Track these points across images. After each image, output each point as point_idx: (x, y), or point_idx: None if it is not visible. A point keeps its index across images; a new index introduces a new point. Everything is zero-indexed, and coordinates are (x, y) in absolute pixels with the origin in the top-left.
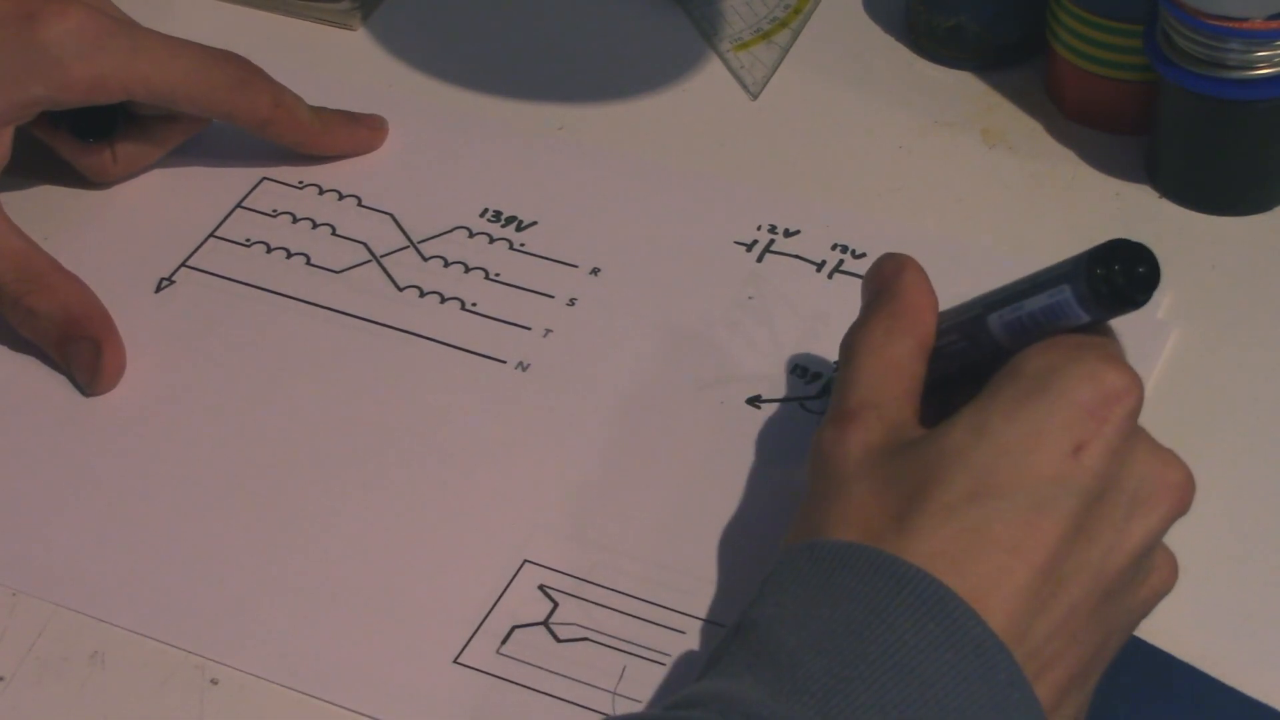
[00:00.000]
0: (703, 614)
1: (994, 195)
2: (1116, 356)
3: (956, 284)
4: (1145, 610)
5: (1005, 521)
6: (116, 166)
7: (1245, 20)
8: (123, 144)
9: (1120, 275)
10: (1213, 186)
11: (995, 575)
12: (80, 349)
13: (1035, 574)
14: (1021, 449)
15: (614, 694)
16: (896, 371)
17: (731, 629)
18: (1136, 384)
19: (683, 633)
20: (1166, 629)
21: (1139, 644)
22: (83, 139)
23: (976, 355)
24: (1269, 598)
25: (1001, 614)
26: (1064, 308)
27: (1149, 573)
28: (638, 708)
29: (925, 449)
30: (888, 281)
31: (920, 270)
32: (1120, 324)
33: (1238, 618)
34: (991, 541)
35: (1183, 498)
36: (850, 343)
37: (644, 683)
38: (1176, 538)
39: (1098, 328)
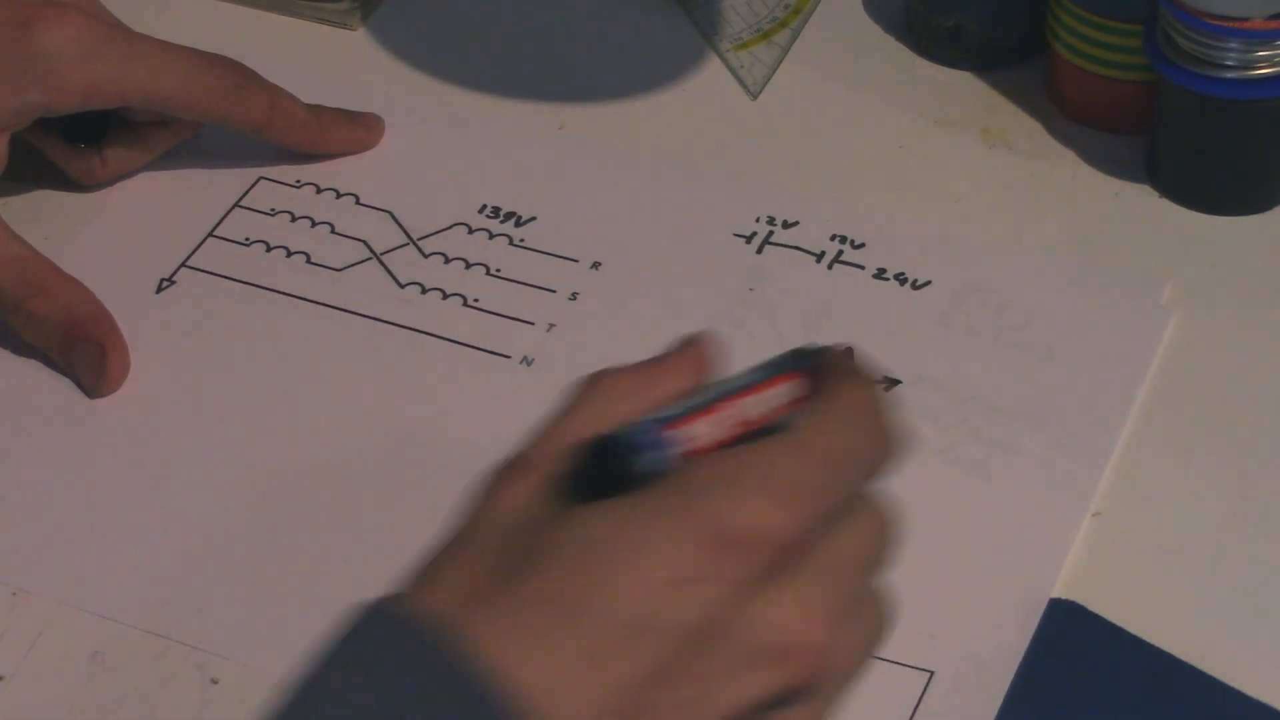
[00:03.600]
0: None
1: (994, 195)
2: (786, 488)
3: (954, 280)
4: None
5: (583, 633)
6: (104, 170)
7: (1245, 20)
8: (111, 149)
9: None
10: (1212, 186)
11: (555, 685)
12: (84, 351)
13: (596, 698)
14: (616, 564)
15: None
16: (597, 430)
17: (296, 682)
18: (789, 524)
19: None
20: (1166, 627)
21: (1139, 644)
22: (73, 143)
23: None
24: (1270, 595)
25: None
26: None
27: None
28: None
29: (548, 528)
30: (683, 343)
31: (698, 348)
32: (1119, 309)
33: (1238, 615)
34: (564, 647)
35: (802, 668)
36: (581, 384)
37: None
38: (1175, 532)
39: (807, 440)
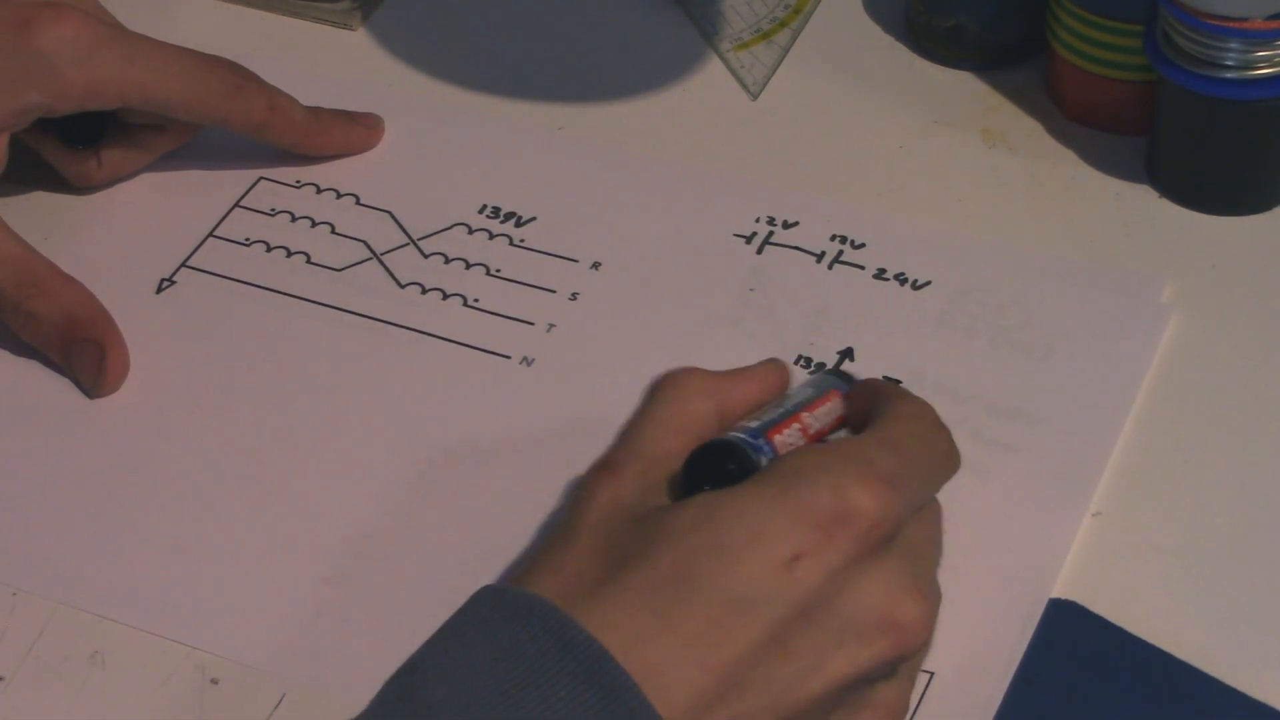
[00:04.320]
0: None
1: (994, 195)
2: (878, 477)
3: (954, 281)
4: None
5: (693, 614)
6: (101, 173)
7: (1245, 20)
8: (109, 151)
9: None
10: (1213, 186)
11: (664, 664)
12: (83, 352)
13: (707, 673)
14: (736, 544)
15: None
16: (682, 429)
17: (404, 665)
18: (885, 508)
19: None
20: (1166, 627)
21: (1138, 643)
22: (70, 145)
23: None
24: (1269, 594)
25: (662, 703)
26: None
27: (857, 710)
28: None
29: (655, 519)
30: (764, 361)
31: (782, 368)
32: (1119, 309)
33: (1238, 615)
34: (672, 629)
35: (905, 640)
36: (658, 383)
37: None
38: (1175, 532)
39: (888, 441)
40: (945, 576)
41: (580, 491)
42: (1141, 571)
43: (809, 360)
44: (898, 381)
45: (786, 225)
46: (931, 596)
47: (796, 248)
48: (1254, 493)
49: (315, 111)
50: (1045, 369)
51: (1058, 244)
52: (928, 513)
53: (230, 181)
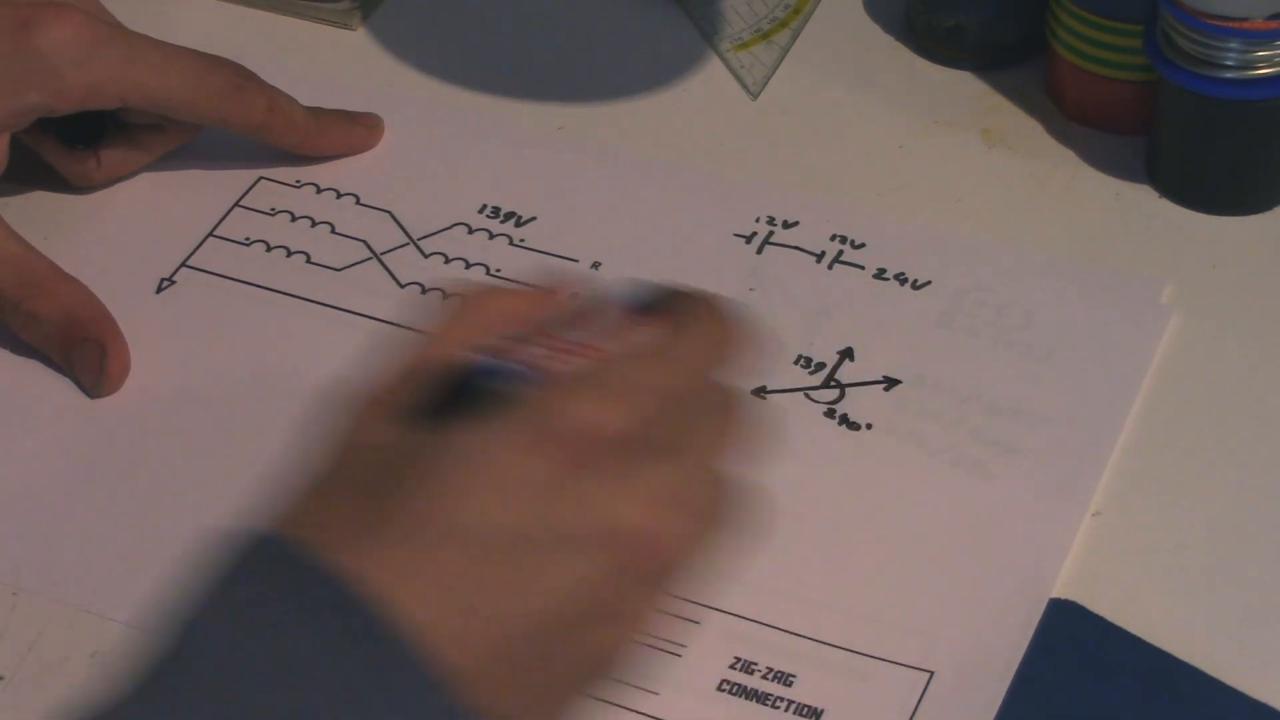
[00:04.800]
0: (717, 604)
1: (994, 195)
2: (600, 391)
3: (954, 281)
4: (599, 663)
5: (411, 541)
6: (100, 173)
7: (1245, 20)
8: (108, 151)
9: None
10: (1213, 186)
11: (390, 594)
12: (84, 352)
13: (428, 602)
14: (485, 472)
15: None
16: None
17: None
18: (605, 421)
19: (697, 623)
20: (1166, 627)
21: (1138, 643)
22: (69, 145)
23: None
24: (1269, 594)
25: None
26: None
27: (597, 624)
28: (654, 699)
29: (417, 451)
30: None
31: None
32: (1120, 309)
33: (1237, 615)
34: (393, 559)
35: (630, 549)
36: (441, 309)
37: (662, 674)
38: (1174, 532)
39: (626, 356)
40: (946, 577)
41: (342, 423)
42: (1142, 571)
43: (809, 360)
44: (897, 381)
45: (786, 225)
46: (679, 506)
47: (796, 248)
48: (1254, 493)
49: (315, 112)
50: (1045, 369)
51: (1058, 244)
52: (708, 416)
53: (230, 181)
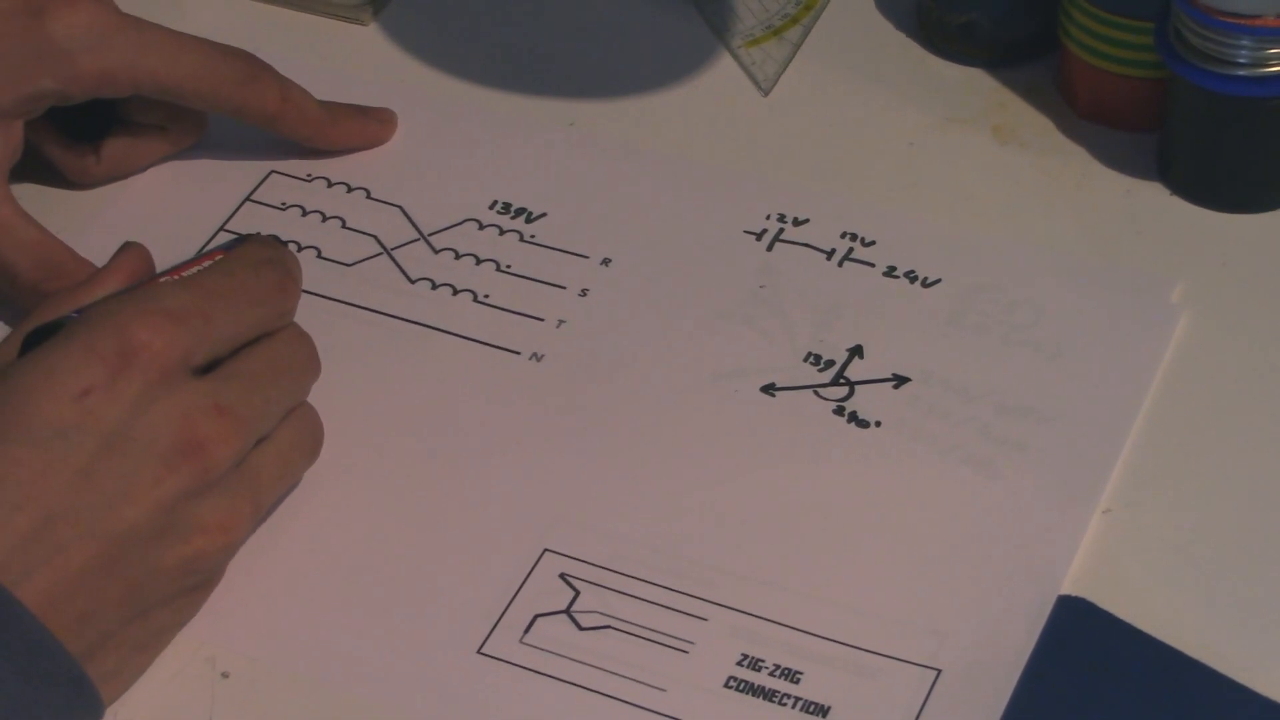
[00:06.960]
0: (725, 601)
1: (1005, 192)
2: (161, 312)
3: (965, 278)
4: (186, 572)
5: (16, 447)
6: (99, 170)
7: (1257, 17)
8: (109, 148)
9: None
10: (1224, 184)
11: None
12: None
13: (18, 512)
14: (29, 388)
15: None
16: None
17: None
18: (169, 339)
19: (705, 620)
20: (1176, 624)
21: (1148, 640)
22: (73, 139)
23: None
24: (1279, 592)
25: None
26: None
27: (187, 534)
28: (664, 696)
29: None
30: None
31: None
32: (1130, 307)
33: (1247, 612)
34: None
35: (209, 457)
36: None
37: (669, 671)
38: (1184, 530)
39: (187, 280)
40: (955, 574)
41: None
42: (1151, 569)
43: (819, 357)
44: (906, 380)
45: (797, 222)
46: (247, 415)
47: (807, 245)
48: (1263, 490)
49: (329, 105)
50: (1055, 367)
51: (1068, 241)
52: (272, 346)
53: (241, 175)
